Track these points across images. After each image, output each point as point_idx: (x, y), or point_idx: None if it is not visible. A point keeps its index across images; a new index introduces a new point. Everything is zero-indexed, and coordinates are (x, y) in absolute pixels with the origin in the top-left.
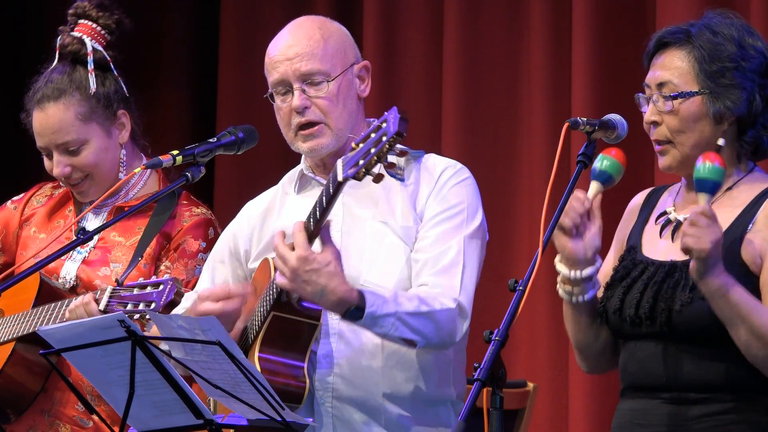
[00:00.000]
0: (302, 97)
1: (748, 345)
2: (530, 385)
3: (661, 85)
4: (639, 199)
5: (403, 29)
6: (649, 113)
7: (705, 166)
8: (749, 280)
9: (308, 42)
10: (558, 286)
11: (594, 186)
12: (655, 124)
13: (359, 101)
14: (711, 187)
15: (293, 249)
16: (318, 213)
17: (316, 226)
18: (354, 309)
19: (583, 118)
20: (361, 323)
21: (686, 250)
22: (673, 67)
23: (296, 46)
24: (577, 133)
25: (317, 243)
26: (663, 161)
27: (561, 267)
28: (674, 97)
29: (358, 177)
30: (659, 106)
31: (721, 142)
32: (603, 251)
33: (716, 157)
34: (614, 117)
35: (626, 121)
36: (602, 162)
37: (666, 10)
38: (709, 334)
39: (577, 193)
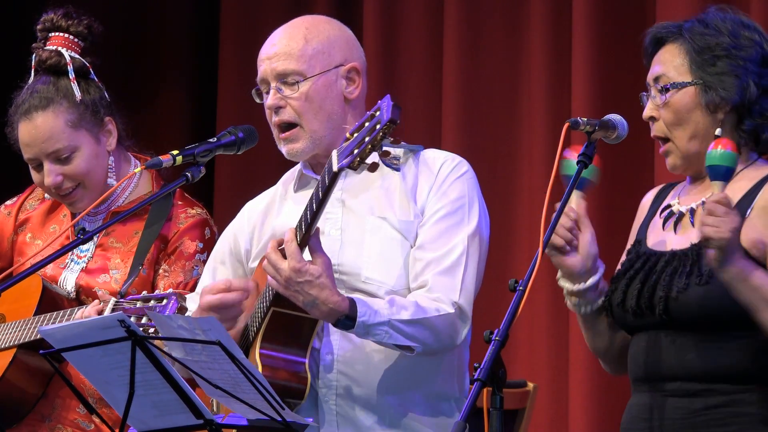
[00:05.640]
0: (276, 97)
1: None
2: (530, 385)
3: (657, 80)
4: (650, 195)
5: (403, 29)
6: (647, 109)
7: (717, 152)
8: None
9: (288, 42)
10: (565, 300)
11: (575, 195)
12: (653, 119)
13: (345, 103)
14: (724, 174)
15: (285, 257)
16: (315, 204)
17: (313, 220)
18: (345, 318)
19: (583, 118)
20: (354, 332)
21: (705, 240)
22: (667, 61)
23: (277, 45)
24: (577, 133)
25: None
26: (668, 162)
27: (564, 282)
28: (667, 89)
29: (353, 166)
30: (656, 101)
31: (717, 131)
32: (614, 251)
33: (728, 143)
34: (614, 117)
35: (626, 121)
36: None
37: (666, 10)
38: (709, 320)
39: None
